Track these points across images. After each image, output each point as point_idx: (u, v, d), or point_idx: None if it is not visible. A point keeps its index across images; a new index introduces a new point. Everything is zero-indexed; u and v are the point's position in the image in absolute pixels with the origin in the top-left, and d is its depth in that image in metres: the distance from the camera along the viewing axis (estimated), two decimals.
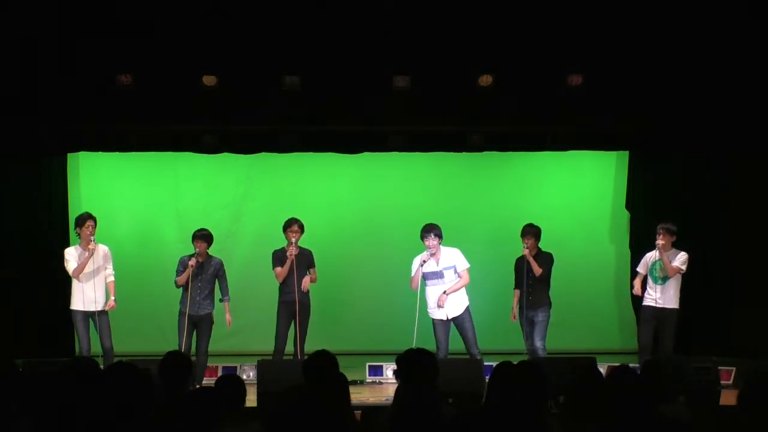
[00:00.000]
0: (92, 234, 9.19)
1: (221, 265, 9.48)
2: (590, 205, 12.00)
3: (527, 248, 9.45)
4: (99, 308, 9.23)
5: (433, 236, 9.28)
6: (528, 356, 9.45)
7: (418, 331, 10.68)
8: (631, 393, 4.31)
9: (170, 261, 9.63)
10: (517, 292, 9.65)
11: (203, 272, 9.35)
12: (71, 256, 9.29)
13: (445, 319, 9.37)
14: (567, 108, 10.26)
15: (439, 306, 9.31)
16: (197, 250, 9.29)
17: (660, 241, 9.35)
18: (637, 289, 9.73)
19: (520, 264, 9.65)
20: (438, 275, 9.37)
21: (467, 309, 9.42)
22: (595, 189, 12.04)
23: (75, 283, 9.27)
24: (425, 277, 9.38)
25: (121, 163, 11.42)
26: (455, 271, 9.38)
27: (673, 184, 11.31)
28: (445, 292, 9.29)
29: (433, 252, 9.31)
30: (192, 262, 9.22)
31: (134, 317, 10.94)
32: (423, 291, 9.45)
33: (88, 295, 9.20)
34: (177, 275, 9.35)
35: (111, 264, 9.40)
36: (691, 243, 9.81)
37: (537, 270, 9.45)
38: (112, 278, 9.36)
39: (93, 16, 9.57)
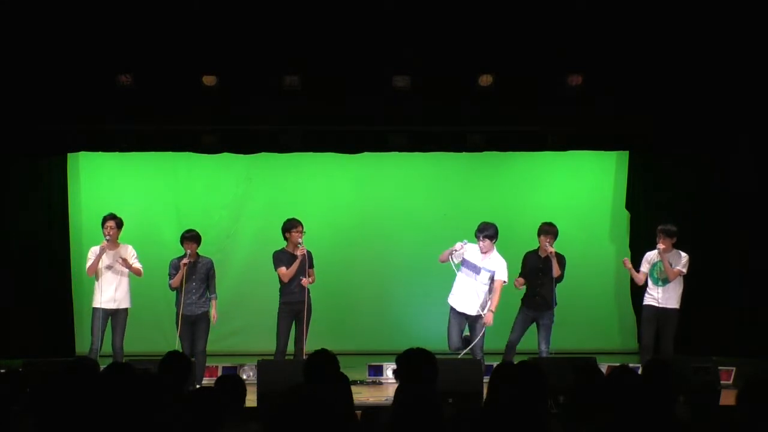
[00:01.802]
0: (109, 234, 9.34)
1: (212, 264, 9.55)
2: (590, 205, 11.99)
3: (553, 248, 9.38)
4: (118, 307, 9.42)
5: (482, 237, 9.27)
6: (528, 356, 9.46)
7: (418, 330, 10.76)
8: (631, 393, 4.30)
9: (170, 261, 9.61)
10: (521, 279, 9.59)
11: (195, 272, 9.41)
12: (92, 254, 9.43)
13: (463, 312, 9.34)
14: (567, 108, 10.26)
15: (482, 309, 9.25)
16: (188, 251, 9.35)
17: (661, 245, 9.29)
18: (631, 269, 9.67)
19: (532, 259, 9.59)
20: (475, 269, 9.34)
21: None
22: (595, 189, 12.03)
23: (95, 282, 9.44)
24: (463, 263, 9.34)
25: (121, 163, 11.42)
26: (492, 277, 9.35)
27: (673, 184, 11.32)
28: (490, 310, 9.25)
29: (484, 251, 9.30)
30: (184, 261, 9.29)
31: (134, 317, 10.88)
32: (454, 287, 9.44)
33: (104, 294, 9.37)
34: (170, 278, 9.42)
35: (135, 260, 9.50)
36: (691, 243, 9.80)
37: (557, 271, 9.40)
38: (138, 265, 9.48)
39: (93, 15, 9.56)
